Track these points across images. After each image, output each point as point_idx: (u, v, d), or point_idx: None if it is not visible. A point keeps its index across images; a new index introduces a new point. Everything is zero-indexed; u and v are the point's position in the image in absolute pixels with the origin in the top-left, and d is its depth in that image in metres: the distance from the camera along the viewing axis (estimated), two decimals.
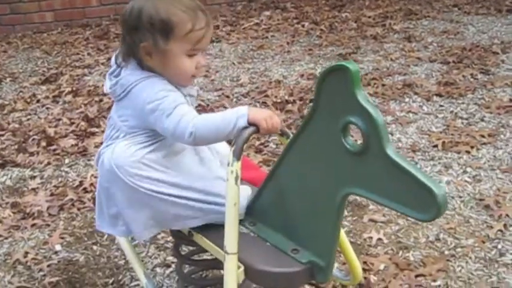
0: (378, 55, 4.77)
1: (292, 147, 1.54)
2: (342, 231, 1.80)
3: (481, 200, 2.66)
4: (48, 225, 2.69)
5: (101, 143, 1.83)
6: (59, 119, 3.84)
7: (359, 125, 1.31)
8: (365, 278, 2.16)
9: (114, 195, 1.68)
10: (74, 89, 4.38)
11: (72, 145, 3.45)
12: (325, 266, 1.54)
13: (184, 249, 2.05)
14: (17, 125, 3.83)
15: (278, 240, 1.65)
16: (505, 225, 2.47)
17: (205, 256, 2.14)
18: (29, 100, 4.25)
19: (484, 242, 2.37)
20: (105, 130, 1.81)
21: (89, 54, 5.30)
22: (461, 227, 2.49)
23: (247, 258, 1.59)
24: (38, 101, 4.23)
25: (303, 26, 5.72)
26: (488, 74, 4.18)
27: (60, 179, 3.09)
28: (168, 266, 2.35)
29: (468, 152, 3.09)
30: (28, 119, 3.92)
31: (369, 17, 5.87)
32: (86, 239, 2.57)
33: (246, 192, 1.72)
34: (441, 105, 3.71)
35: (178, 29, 1.58)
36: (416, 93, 3.90)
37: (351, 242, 2.33)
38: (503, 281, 2.16)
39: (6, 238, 2.61)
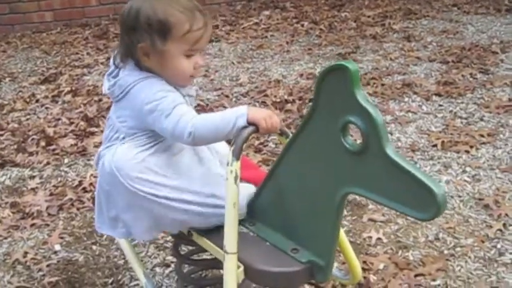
0: (377, 55, 4.77)
1: (292, 147, 1.54)
2: (342, 231, 1.80)
3: (480, 199, 2.67)
4: (48, 225, 2.69)
5: (100, 143, 1.82)
6: (58, 119, 3.84)
7: (358, 125, 1.31)
8: (364, 277, 2.16)
9: (114, 198, 1.67)
10: (73, 88, 4.38)
11: (71, 145, 3.45)
12: (325, 265, 1.54)
13: (184, 248, 2.05)
14: (16, 125, 3.82)
15: (278, 239, 1.64)
16: (504, 225, 2.47)
17: (204, 256, 2.14)
18: (28, 100, 4.25)
19: (483, 242, 2.38)
20: (104, 130, 1.80)
21: (88, 53, 5.30)
22: (460, 226, 2.49)
23: (247, 258, 1.59)
24: (37, 101, 4.22)
25: (302, 25, 5.72)
26: (487, 74, 4.18)
27: (59, 179, 3.09)
28: (168, 265, 2.35)
29: (467, 152, 3.09)
30: (27, 119, 3.92)
31: (368, 16, 5.87)
32: (85, 238, 2.57)
33: (247, 190, 1.71)
34: (440, 105, 3.71)
35: (176, 30, 1.57)
36: (415, 93, 3.90)
37: (351, 242, 2.33)
38: (503, 281, 2.16)
39: (5, 238, 2.61)
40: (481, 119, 3.48)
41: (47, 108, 4.08)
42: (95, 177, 2.93)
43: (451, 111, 3.60)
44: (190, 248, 2.00)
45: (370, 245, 2.40)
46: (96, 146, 3.33)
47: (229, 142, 1.57)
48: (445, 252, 2.33)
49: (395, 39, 5.14)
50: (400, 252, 2.35)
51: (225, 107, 3.80)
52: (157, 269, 2.33)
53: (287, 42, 5.23)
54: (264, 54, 4.97)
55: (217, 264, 1.73)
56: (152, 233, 1.74)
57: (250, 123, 1.53)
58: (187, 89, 1.72)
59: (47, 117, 3.90)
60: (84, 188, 2.94)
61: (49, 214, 2.76)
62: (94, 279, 2.31)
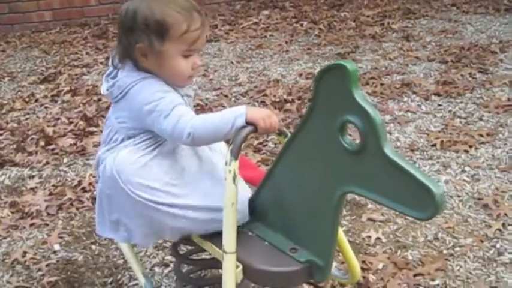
0: (376, 54, 4.77)
1: (290, 146, 1.54)
2: (340, 230, 1.80)
3: (479, 199, 2.67)
4: (47, 224, 2.69)
5: (100, 143, 1.82)
6: (58, 119, 3.84)
7: (356, 124, 1.31)
8: (364, 277, 2.16)
9: (115, 202, 1.66)
10: (73, 88, 4.38)
11: (70, 144, 3.45)
12: (324, 265, 1.54)
13: (183, 248, 2.05)
14: (15, 125, 3.82)
15: (276, 239, 1.65)
16: (503, 225, 2.47)
17: (203, 255, 2.14)
18: (27, 99, 4.25)
19: (482, 241, 2.38)
20: (102, 131, 1.80)
21: (87, 53, 5.30)
22: (459, 226, 2.49)
23: (246, 258, 1.59)
24: (36, 101, 4.22)
25: (301, 25, 5.72)
26: (486, 73, 4.18)
27: (58, 179, 3.09)
28: (167, 265, 2.35)
29: (467, 151, 3.09)
30: (26, 119, 3.92)
31: (368, 16, 5.87)
32: (84, 238, 2.57)
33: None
34: (440, 105, 3.71)
35: (174, 30, 1.57)
36: (414, 93, 3.90)
37: (350, 241, 2.33)
38: (502, 280, 2.16)
39: (4, 238, 2.61)
40: (480, 119, 3.48)
41: (46, 107, 4.08)
42: (93, 177, 2.93)
43: (450, 111, 3.60)
44: (189, 247, 2.00)
45: (369, 244, 2.40)
46: (96, 146, 3.33)
47: (228, 142, 1.57)
48: (444, 252, 2.34)
49: (394, 39, 5.14)
50: (399, 251, 2.35)
51: (224, 107, 3.81)
52: (157, 269, 2.33)
53: (286, 42, 5.23)
54: (263, 54, 4.97)
55: (216, 263, 1.73)
56: (152, 239, 1.72)
57: (248, 123, 1.53)
58: (186, 89, 1.71)
59: (46, 117, 3.90)
60: (83, 188, 2.94)
61: (48, 214, 2.76)
62: (93, 278, 2.31)
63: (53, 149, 3.41)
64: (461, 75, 4.14)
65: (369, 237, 2.43)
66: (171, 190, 1.63)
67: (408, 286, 2.13)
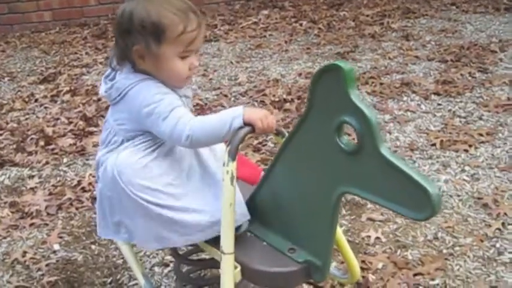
0: (376, 54, 4.77)
1: (288, 147, 1.54)
2: (339, 230, 1.81)
3: (479, 198, 2.67)
4: (47, 224, 2.69)
5: (99, 144, 1.82)
6: (57, 119, 3.84)
7: (353, 124, 1.31)
8: (363, 277, 2.16)
9: (117, 203, 1.66)
10: (72, 88, 4.38)
11: (70, 144, 3.45)
12: (322, 265, 1.54)
13: (183, 248, 2.05)
14: (15, 125, 3.82)
15: (275, 239, 1.65)
16: (503, 224, 2.47)
17: (203, 255, 2.15)
18: (27, 99, 4.25)
19: (482, 241, 2.38)
20: (101, 132, 1.79)
21: (87, 53, 5.30)
22: (459, 225, 2.49)
23: (244, 258, 1.60)
24: (36, 101, 4.22)
25: (301, 24, 5.71)
26: (486, 73, 4.18)
27: (58, 179, 3.09)
28: (167, 265, 2.35)
29: (466, 151, 3.09)
30: (26, 119, 3.92)
31: (367, 15, 5.87)
32: (84, 238, 2.57)
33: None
34: (439, 104, 3.71)
35: (170, 32, 1.56)
36: (414, 92, 3.90)
37: (349, 241, 2.34)
38: (502, 280, 2.16)
39: (4, 238, 2.61)
40: (480, 118, 3.48)
41: (46, 107, 4.08)
42: (93, 177, 2.93)
43: (449, 110, 3.60)
44: (189, 247, 2.00)
45: (368, 244, 2.40)
46: (95, 146, 3.33)
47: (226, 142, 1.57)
48: (444, 251, 2.34)
49: (394, 38, 5.14)
50: (398, 251, 2.35)
51: (223, 107, 3.81)
52: (156, 269, 2.34)
53: (286, 42, 5.23)
54: (263, 54, 4.97)
55: (215, 263, 1.73)
56: (152, 244, 1.69)
57: (246, 123, 1.53)
58: (184, 90, 1.71)
59: (46, 117, 3.90)
60: (83, 188, 2.94)
61: (48, 214, 2.76)
62: (93, 278, 2.31)
63: (52, 149, 3.41)
64: (461, 75, 4.14)
65: (369, 236, 2.43)
66: (172, 191, 1.62)
67: (408, 286, 2.13)
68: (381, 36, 5.21)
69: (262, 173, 1.84)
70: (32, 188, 3.00)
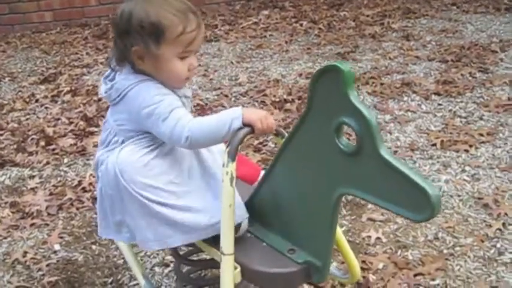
0: (376, 54, 4.77)
1: (287, 147, 1.54)
2: (340, 230, 1.81)
3: (479, 198, 2.67)
4: (47, 224, 2.69)
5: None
6: (58, 119, 3.84)
7: (352, 126, 1.31)
8: (364, 277, 2.16)
9: (118, 202, 1.65)
10: (73, 88, 4.38)
11: (71, 144, 3.45)
12: (322, 266, 1.54)
13: (183, 248, 2.05)
14: (16, 125, 3.83)
15: (275, 240, 1.65)
16: (503, 224, 2.47)
17: (203, 255, 2.15)
18: (27, 100, 4.25)
19: (482, 241, 2.38)
20: (101, 133, 1.79)
21: (87, 53, 5.30)
22: (460, 225, 2.49)
23: (244, 259, 1.60)
24: (36, 101, 4.23)
25: (301, 25, 5.71)
26: (486, 73, 4.18)
27: (59, 179, 3.09)
28: (167, 265, 2.35)
29: (467, 151, 3.09)
30: (27, 119, 3.92)
31: (367, 15, 5.87)
32: (84, 238, 2.57)
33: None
34: (440, 104, 3.71)
35: (169, 32, 1.56)
36: (414, 92, 3.90)
37: (350, 241, 2.34)
38: (502, 280, 2.16)
39: (5, 238, 2.61)
40: (481, 118, 3.48)
41: (46, 108, 4.08)
42: (94, 177, 2.93)
43: (450, 111, 3.60)
44: (189, 248, 2.00)
45: (369, 244, 2.40)
46: (96, 146, 3.33)
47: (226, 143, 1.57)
48: (445, 251, 2.33)
49: (394, 39, 5.14)
50: (399, 251, 2.35)
51: (224, 107, 3.81)
52: (157, 269, 2.34)
53: (286, 42, 5.23)
54: (263, 54, 4.97)
55: (215, 264, 1.73)
56: (152, 243, 1.68)
57: (245, 124, 1.53)
58: (184, 90, 1.71)
59: (46, 117, 3.90)
60: (83, 188, 2.94)
61: (49, 214, 2.77)
62: (93, 278, 2.31)
63: (53, 149, 3.41)
64: (462, 75, 4.14)
65: (369, 237, 2.43)
66: (173, 189, 1.62)
67: (408, 286, 2.13)
68: (382, 37, 5.21)
69: (262, 172, 1.84)
70: (32, 188, 3.00)
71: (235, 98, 4.02)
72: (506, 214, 2.53)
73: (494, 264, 2.25)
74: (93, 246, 2.51)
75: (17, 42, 5.79)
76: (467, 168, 2.93)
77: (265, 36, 5.46)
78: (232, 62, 4.80)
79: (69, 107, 4.05)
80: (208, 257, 1.87)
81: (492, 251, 2.32)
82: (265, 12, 6.26)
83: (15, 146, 3.48)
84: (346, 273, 2.00)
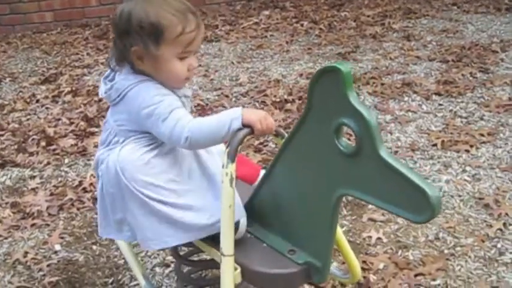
0: (377, 54, 4.77)
1: (287, 148, 1.54)
2: (340, 231, 1.81)
3: (480, 199, 2.66)
4: (48, 225, 2.69)
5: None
6: (59, 119, 3.84)
7: (351, 127, 1.31)
8: (364, 277, 2.16)
9: (119, 200, 1.65)
10: (74, 88, 4.38)
11: (71, 145, 3.45)
12: (322, 266, 1.54)
13: (184, 249, 2.05)
14: (16, 125, 3.83)
15: (275, 241, 1.65)
16: (504, 224, 2.47)
17: (203, 256, 2.15)
18: (28, 100, 4.25)
19: (483, 241, 2.37)
20: (101, 133, 1.79)
21: (88, 54, 5.30)
22: (460, 226, 2.49)
23: (244, 260, 1.60)
24: (37, 101, 4.23)
25: (302, 25, 5.71)
26: (487, 73, 4.17)
27: (59, 179, 3.10)
28: (168, 265, 2.35)
29: (467, 151, 3.09)
30: (28, 119, 3.93)
31: (368, 16, 5.87)
32: (85, 238, 2.58)
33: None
34: (440, 104, 3.70)
35: (169, 33, 1.56)
36: (415, 92, 3.90)
37: (350, 242, 2.34)
38: (503, 280, 2.16)
39: (6, 238, 2.61)
40: (481, 118, 3.47)
41: (47, 108, 4.08)
42: (94, 177, 2.93)
43: (451, 111, 3.60)
44: (190, 248, 2.00)
45: (370, 244, 2.40)
46: (97, 146, 3.31)
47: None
48: (445, 251, 2.33)
49: (395, 39, 5.14)
50: (400, 251, 2.35)
51: (224, 107, 3.81)
52: (157, 269, 2.34)
53: (287, 42, 5.23)
54: (264, 54, 4.97)
55: (216, 264, 1.73)
56: (153, 242, 1.68)
57: (245, 125, 1.52)
58: (184, 90, 1.71)
59: (47, 118, 3.90)
60: (84, 188, 2.95)
61: (49, 214, 2.77)
62: (94, 279, 2.31)
63: (54, 150, 3.41)
64: (462, 75, 4.14)
65: (370, 237, 2.43)
66: (174, 187, 1.62)
67: (409, 286, 2.13)
68: (382, 37, 5.21)
69: (262, 172, 1.84)
70: (33, 189, 3.00)
71: (235, 99, 4.02)
72: (507, 214, 2.53)
73: (495, 265, 2.25)
74: (94, 247, 2.51)
75: (18, 42, 5.80)
76: (468, 168, 2.93)
77: (265, 37, 5.46)
78: (232, 62, 4.80)
79: (69, 107, 4.05)
80: (208, 258, 1.87)
81: (493, 251, 2.32)
82: (266, 12, 6.26)
83: (15, 147, 3.48)
84: (347, 273, 2.00)
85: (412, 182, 1.23)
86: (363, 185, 1.34)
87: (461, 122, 3.45)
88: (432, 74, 4.24)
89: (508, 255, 2.30)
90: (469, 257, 2.29)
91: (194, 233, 1.65)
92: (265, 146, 3.29)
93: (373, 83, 4.10)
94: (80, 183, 3.00)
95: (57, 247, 2.52)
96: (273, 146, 3.27)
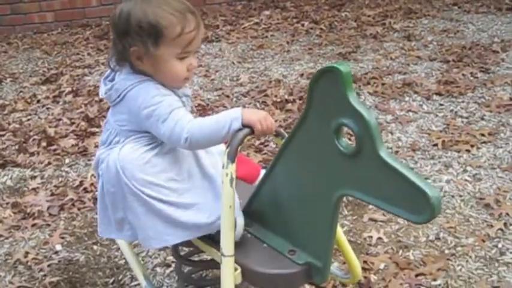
0: (377, 54, 4.77)
1: (287, 148, 1.54)
2: (340, 231, 1.81)
3: (481, 198, 2.66)
4: (49, 225, 2.69)
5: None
6: (59, 119, 3.85)
7: (351, 127, 1.31)
8: (365, 277, 2.16)
9: (119, 199, 1.65)
10: (74, 89, 4.39)
11: (72, 145, 3.45)
12: (322, 266, 1.54)
13: (184, 249, 2.05)
14: (17, 125, 3.83)
15: (275, 241, 1.65)
16: (505, 224, 2.47)
17: (204, 256, 2.15)
18: (29, 100, 4.25)
19: (484, 241, 2.37)
20: (102, 133, 1.79)
21: (89, 54, 5.30)
22: (461, 226, 2.49)
23: (244, 260, 1.60)
24: (38, 101, 4.23)
25: (302, 25, 5.71)
26: (488, 73, 4.17)
27: (60, 179, 3.10)
28: (168, 265, 2.35)
29: (468, 151, 3.09)
30: (28, 119, 3.93)
31: (369, 16, 5.86)
32: (86, 238, 2.58)
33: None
34: (441, 104, 3.70)
35: (168, 33, 1.56)
36: (416, 92, 3.90)
37: (351, 241, 2.34)
38: (504, 280, 2.16)
39: (6, 238, 2.61)
40: (482, 118, 3.47)
41: (48, 108, 4.08)
42: (95, 177, 2.93)
43: (451, 111, 3.60)
44: (190, 248, 2.00)
45: (370, 244, 2.40)
46: (97, 146, 3.32)
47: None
48: (446, 251, 2.33)
49: (395, 39, 5.13)
50: (400, 251, 2.35)
51: (225, 107, 3.81)
52: (158, 269, 2.34)
53: (287, 42, 5.23)
54: (265, 54, 4.97)
55: (216, 264, 1.73)
56: (153, 241, 1.67)
57: (245, 125, 1.52)
58: (183, 89, 1.71)
59: (48, 118, 3.91)
60: (85, 188, 2.95)
61: (50, 214, 2.77)
62: (95, 279, 2.31)
63: (54, 150, 3.41)
64: (463, 75, 4.14)
65: (371, 237, 2.43)
66: (174, 186, 1.63)
67: (410, 286, 2.13)
68: (383, 37, 5.21)
69: (262, 172, 1.84)
70: (34, 189, 3.00)
71: (236, 99, 4.02)
72: (507, 214, 2.53)
73: (496, 265, 2.25)
74: (95, 247, 2.51)
75: (19, 42, 5.80)
76: (468, 168, 2.93)
77: (266, 37, 5.46)
78: (233, 63, 4.80)
79: (70, 107, 4.05)
80: (209, 258, 1.88)
81: (493, 251, 2.32)
82: (267, 12, 6.25)
83: (16, 147, 3.49)
84: (348, 273, 2.00)
85: (412, 182, 1.23)
86: (363, 185, 1.34)
87: (462, 122, 3.45)
88: (433, 74, 4.24)
89: (509, 255, 2.30)
90: (470, 257, 2.29)
91: (193, 231, 1.65)
92: (265, 146, 3.29)
93: (374, 83, 4.10)
94: (81, 183, 3.00)
95: (58, 247, 2.52)
96: (274, 146, 3.27)
